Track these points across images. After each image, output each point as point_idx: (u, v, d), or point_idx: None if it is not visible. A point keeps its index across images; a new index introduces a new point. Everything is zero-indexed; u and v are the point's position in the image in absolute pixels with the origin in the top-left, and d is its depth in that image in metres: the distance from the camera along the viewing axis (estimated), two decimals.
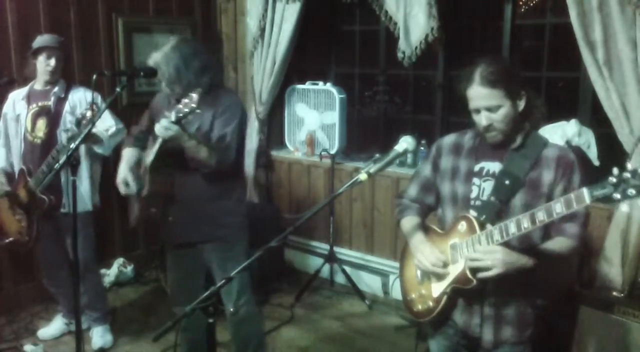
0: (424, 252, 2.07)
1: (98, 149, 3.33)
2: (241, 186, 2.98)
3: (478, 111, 1.93)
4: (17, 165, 3.36)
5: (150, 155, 2.68)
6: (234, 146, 2.67)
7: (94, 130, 3.21)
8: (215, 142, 2.63)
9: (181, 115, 2.42)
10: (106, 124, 3.30)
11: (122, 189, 2.78)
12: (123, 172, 2.79)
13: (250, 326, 2.97)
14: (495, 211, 1.95)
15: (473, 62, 1.95)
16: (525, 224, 1.78)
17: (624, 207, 3.02)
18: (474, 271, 1.93)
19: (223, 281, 1.79)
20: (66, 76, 3.45)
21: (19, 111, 3.36)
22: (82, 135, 2.56)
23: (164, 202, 2.78)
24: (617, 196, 1.56)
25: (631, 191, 1.54)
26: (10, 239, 3.38)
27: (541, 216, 1.74)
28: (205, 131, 2.66)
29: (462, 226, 1.99)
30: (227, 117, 2.67)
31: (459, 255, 1.99)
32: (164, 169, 2.71)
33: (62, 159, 2.53)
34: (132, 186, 2.76)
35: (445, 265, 2.03)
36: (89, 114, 2.80)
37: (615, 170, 1.57)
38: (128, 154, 2.86)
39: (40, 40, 3.27)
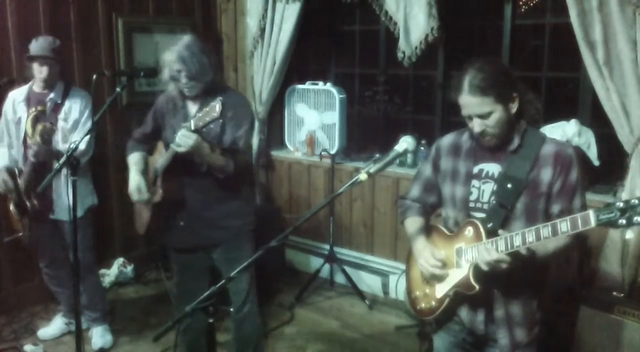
0: (426, 256, 2.08)
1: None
2: (249, 186, 2.96)
3: (471, 118, 1.94)
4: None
5: (161, 161, 2.66)
6: (246, 148, 2.66)
7: (62, 146, 3.20)
8: (229, 147, 2.61)
9: (201, 124, 2.39)
10: (75, 139, 3.15)
11: (134, 197, 2.71)
12: (135, 180, 2.72)
13: (253, 323, 2.99)
14: (502, 217, 1.95)
15: (464, 67, 1.93)
16: (530, 238, 1.79)
17: (628, 234, 3.01)
18: (480, 278, 1.93)
19: (223, 280, 1.79)
20: (66, 76, 3.44)
21: (19, 114, 3.33)
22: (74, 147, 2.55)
23: (175, 207, 2.75)
24: (623, 221, 1.58)
25: (637, 219, 1.56)
26: (17, 235, 3.40)
27: (546, 232, 1.76)
28: (216, 134, 2.62)
29: (469, 231, 1.99)
30: (238, 121, 2.65)
31: (464, 260, 1.99)
32: (175, 175, 2.67)
33: (62, 159, 2.53)
34: (144, 194, 2.69)
35: (444, 265, 2.04)
36: (51, 127, 2.76)
37: (624, 197, 1.58)
38: (135, 160, 2.80)
39: (34, 47, 3.20)
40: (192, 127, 2.41)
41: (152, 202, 2.73)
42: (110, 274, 4.38)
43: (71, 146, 2.55)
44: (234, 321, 2.97)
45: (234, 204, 2.78)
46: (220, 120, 2.58)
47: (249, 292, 2.88)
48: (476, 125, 1.92)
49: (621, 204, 1.59)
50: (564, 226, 1.72)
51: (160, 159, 2.70)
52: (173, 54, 2.58)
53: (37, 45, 3.20)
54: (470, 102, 1.89)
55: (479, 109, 1.89)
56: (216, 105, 2.34)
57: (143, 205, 2.79)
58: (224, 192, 2.72)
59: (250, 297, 2.90)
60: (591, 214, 1.65)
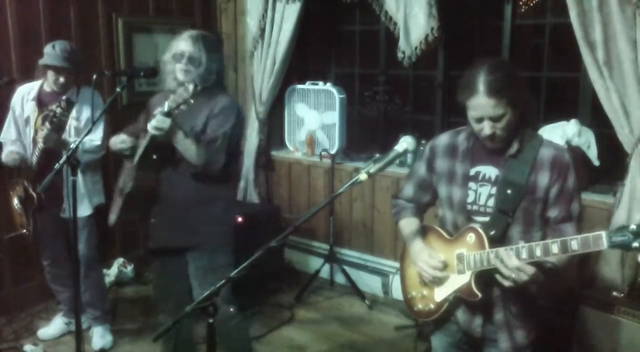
0: (425, 259, 2.07)
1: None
2: (230, 193, 2.85)
3: (480, 120, 1.88)
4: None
5: (138, 152, 2.60)
6: (223, 150, 2.58)
7: (71, 137, 3.19)
8: (206, 144, 2.55)
9: (174, 105, 2.36)
10: (91, 135, 3.16)
11: (116, 146, 2.66)
12: (119, 136, 2.68)
13: (237, 335, 2.87)
14: (504, 223, 1.94)
15: (473, 67, 1.88)
16: (538, 253, 1.78)
17: None
18: (481, 286, 1.93)
19: (223, 281, 1.77)
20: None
21: (28, 113, 3.30)
22: (81, 138, 2.53)
23: (147, 202, 2.68)
24: (636, 244, 1.57)
25: None
26: (22, 231, 3.34)
27: (555, 249, 1.74)
28: (197, 131, 2.59)
29: (471, 237, 1.97)
30: (221, 120, 2.60)
31: (465, 267, 1.98)
32: (151, 167, 2.62)
33: (62, 159, 2.53)
34: (126, 143, 2.64)
35: (444, 267, 2.03)
36: (58, 110, 2.75)
37: (638, 220, 1.55)
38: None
39: (51, 55, 3.14)
40: (166, 109, 2.37)
41: (124, 192, 2.66)
42: (110, 274, 4.38)
43: (72, 147, 2.54)
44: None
45: (208, 209, 2.68)
46: (206, 118, 2.59)
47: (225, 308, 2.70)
48: (487, 127, 1.87)
49: (634, 227, 1.57)
50: (574, 244, 1.69)
51: (138, 148, 2.63)
52: (184, 34, 2.63)
53: (54, 54, 3.14)
54: (486, 103, 1.83)
55: (493, 110, 1.83)
56: (189, 87, 2.36)
57: (118, 195, 2.73)
58: (199, 194, 2.64)
59: (227, 314, 2.73)
60: (604, 236, 1.62)
